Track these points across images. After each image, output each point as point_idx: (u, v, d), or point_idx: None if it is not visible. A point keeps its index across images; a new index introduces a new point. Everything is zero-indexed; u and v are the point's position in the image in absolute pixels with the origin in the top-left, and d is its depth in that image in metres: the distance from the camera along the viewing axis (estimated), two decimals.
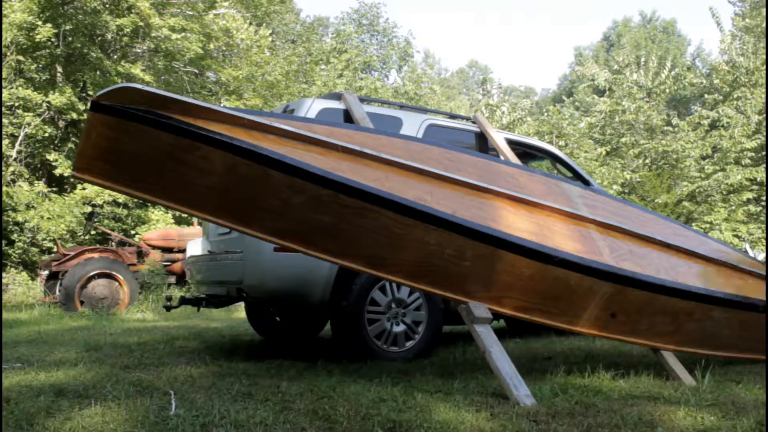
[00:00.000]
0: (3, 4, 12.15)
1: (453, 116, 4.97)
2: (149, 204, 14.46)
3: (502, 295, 3.11)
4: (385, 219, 2.78)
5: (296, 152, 2.70)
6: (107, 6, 13.50)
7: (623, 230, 3.45)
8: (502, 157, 4.40)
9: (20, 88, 12.64)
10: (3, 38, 12.13)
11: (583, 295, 3.16)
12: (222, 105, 16.04)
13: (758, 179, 19.61)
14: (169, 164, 2.60)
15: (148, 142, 2.52)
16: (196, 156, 2.56)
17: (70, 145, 14.36)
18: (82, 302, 8.46)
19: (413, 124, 4.39)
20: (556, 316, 3.23)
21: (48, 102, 12.99)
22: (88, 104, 2.48)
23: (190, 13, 15.17)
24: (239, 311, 8.35)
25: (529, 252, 2.97)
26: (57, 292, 8.78)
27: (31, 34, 12.53)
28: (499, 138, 4.58)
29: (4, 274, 11.76)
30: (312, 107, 4.06)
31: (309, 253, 2.96)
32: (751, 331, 3.62)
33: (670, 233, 3.73)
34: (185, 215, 15.14)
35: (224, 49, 15.91)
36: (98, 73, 13.86)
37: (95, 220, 14.08)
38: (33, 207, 12.61)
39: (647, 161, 20.30)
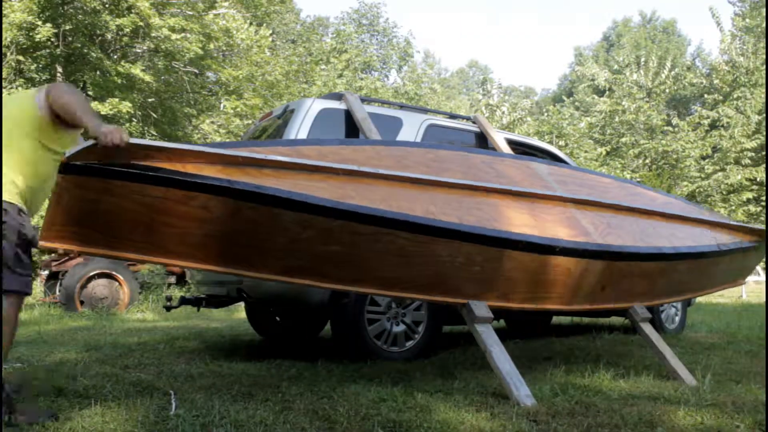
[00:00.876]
0: (3, 3, 12.15)
1: (453, 116, 4.97)
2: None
3: (511, 291, 3.18)
4: (401, 240, 2.73)
5: (299, 185, 2.57)
6: (107, 6, 13.50)
7: (595, 203, 3.62)
8: None
9: (20, 88, 12.64)
10: (3, 38, 12.13)
11: (580, 276, 3.30)
12: (222, 106, 15.98)
13: (758, 179, 19.60)
14: (160, 219, 2.37)
15: (133, 199, 2.29)
16: (192, 206, 2.36)
17: None
18: (82, 302, 8.46)
19: (413, 125, 4.39)
20: (557, 299, 3.35)
21: None
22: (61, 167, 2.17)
23: (190, 13, 15.16)
24: (239, 311, 8.35)
25: (534, 247, 3.05)
26: (57, 292, 8.78)
27: (31, 34, 12.52)
28: (499, 138, 4.58)
29: None
30: (312, 107, 4.05)
31: (322, 286, 2.90)
32: (707, 271, 4.08)
33: (628, 195, 3.94)
34: None
35: (224, 49, 15.90)
36: (98, 73, 13.86)
37: None
38: None
39: (647, 161, 20.29)
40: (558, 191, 3.51)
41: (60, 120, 2.42)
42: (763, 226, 4.61)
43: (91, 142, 2.19)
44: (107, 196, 2.27)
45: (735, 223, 4.51)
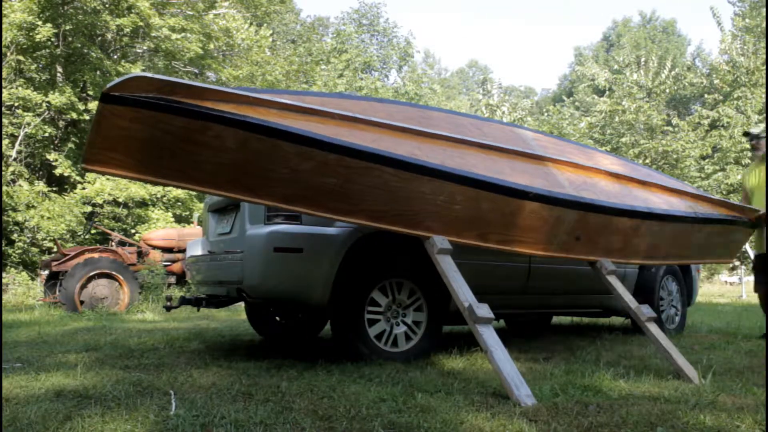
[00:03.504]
0: (3, 4, 12.15)
1: None
2: (149, 204, 14.44)
3: (488, 231, 3.48)
4: (386, 175, 3.05)
5: (300, 123, 2.93)
6: (107, 6, 13.49)
7: (574, 164, 4.02)
8: None
9: (20, 88, 12.64)
10: (3, 38, 12.13)
11: (554, 224, 3.62)
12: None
13: None
14: (181, 146, 2.72)
15: (160, 128, 2.63)
16: (208, 136, 2.71)
17: (70, 145, 14.35)
18: (82, 302, 8.46)
19: None
20: (532, 244, 3.66)
21: (48, 102, 12.98)
22: (99, 96, 2.66)
23: (190, 13, 15.15)
24: (239, 311, 8.35)
25: (509, 191, 3.37)
26: (57, 292, 8.78)
27: (31, 34, 12.52)
28: None
29: (4, 275, 11.76)
30: None
31: (317, 215, 3.20)
32: (686, 238, 4.36)
33: (609, 163, 4.41)
34: (185, 214, 15.14)
35: (224, 49, 15.91)
36: (98, 72, 13.85)
37: (95, 219, 14.07)
38: (33, 207, 12.61)
39: (647, 161, 20.28)
40: (538, 152, 3.89)
41: None
42: (749, 205, 4.96)
43: (130, 74, 2.55)
44: (139, 124, 2.61)
45: (717, 198, 4.82)
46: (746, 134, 5.76)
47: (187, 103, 2.63)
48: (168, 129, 2.65)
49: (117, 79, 2.52)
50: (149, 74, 2.57)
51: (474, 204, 3.32)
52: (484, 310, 3.03)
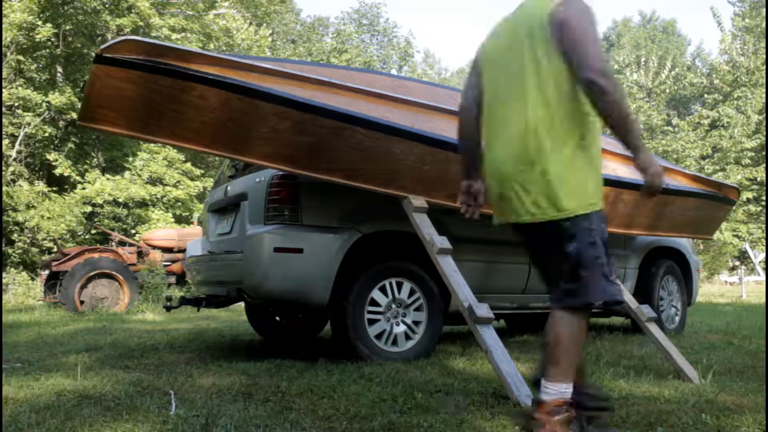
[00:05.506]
0: (3, 3, 12.14)
1: None
2: (149, 204, 14.43)
3: (456, 192, 3.56)
4: (359, 135, 3.23)
5: (279, 86, 3.15)
6: (107, 6, 13.49)
7: None
8: None
9: (20, 88, 12.64)
10: (3, 38, 12.12)
11: None
12: None
13: (758, 179, 19.59)
14: (168, 105, 2.91)
15: (148, 88, 2.83)
16: (193, 95, 2.90)
17: (70, 145, 14.34)
18: (82, 302, 8.46)
19: None
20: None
21: (48, 102, 12.97)
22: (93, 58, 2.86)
23: (190, 13, 15.15)
24: (239, 311, 8.36)
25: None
26: (57, 292, 8.78)
27: (31, 34, 12.52)
28: None
29: (4, 275, 11.76)
30: None
31: (296, 172, 3.40)
32: (658, 209, 4.48)
33: None
34: (185, 215, 15.14)
35: (224, 49, 15.89)
36: None
37: (95, 219, 14.06)
38: (33, 207, 12.61)
39: None
40: None
41: None
42: (726, 182, 5.02)
43: (121, 38, 2.80)
44: (129, 84, 2.80)
45: (692, 173, 4.93)
46: None
47: (173, 65, 2.82)
48: (156, 89, 2.83)
49: (109, 42, 2.75)
50: (139, 38, 2.77)
51: (443, 165, 3.45)
52: (483, 310, 3.03)
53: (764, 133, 19.66)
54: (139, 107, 2.92)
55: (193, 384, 3.06)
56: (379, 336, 3.85)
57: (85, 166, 14.42)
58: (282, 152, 3.22)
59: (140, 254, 9.85)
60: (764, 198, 19.61)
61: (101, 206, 13.73)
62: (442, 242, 3.32)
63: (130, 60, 2.74)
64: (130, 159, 14.49)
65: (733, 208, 5.11)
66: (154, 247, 9.97)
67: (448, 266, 3.27)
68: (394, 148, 3.33)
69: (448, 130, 3.52)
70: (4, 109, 12.78)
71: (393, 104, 3.59)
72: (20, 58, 12.90)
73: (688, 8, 58.17)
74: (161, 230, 10.98)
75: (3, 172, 12.79)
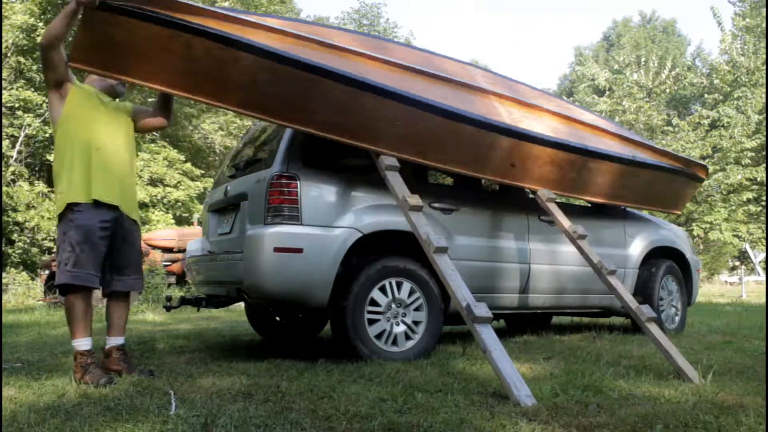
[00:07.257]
0: (3, 5, 12.14)
1: None
2: (150, 205, 14.43)
3: (426, 149, 3.80)
4: (335, 91, 3.38)
5: (260, 39, 3.29)
6: None
7: (517, 100, 4.39)
8: None
9: (21, 89, 12.64)
10: (4, 39, 12.12)
11: (488, 147, 3.95)
12: None
13: (758, 179, 19.59)
14: (154, 51, 3.11)
15: (137, 33, 3.02)
16: (178, 43, 3.08)
17: None
18: None
19: None
20: (470, 165, 3.99)
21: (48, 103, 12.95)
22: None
23: None
24: (239, 311, 8.35)
25: (445, 113, 3.68)
26: (57, 293, 8.77)
27: (31, 35, 12.52)
28: None
29: (4, 275, 11.76)
30: None
31: (273, 121, 3.61)
32: (625, 181, 4.66)
33: (555, 105, 4.78)
34: (185, 215, 15.13)
35: None
36: None
37: None
38: (33, 207, 12.61)
39: None
40: (483, 86, 4.28)
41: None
42: (695, 159, 5.33)
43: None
44: (118, 28, 3.00)
45: (661, 148, 5.13)
46: None
47: (160, 13, 3.00)
48: (144, 35, 3.02)
49: None
50: None
51: (413, 123, 3.64)
52: (482, 310, 3.02)
53: (764, 133, 19.65)
54: (127, 52, 3.10)
55: (193, 384, 3.06)
56: (379, 336, 3.85)
57: None
58: (259, 103, 3.39)
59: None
60: (764, 198, 19.60)
61: None
62: (439, 241, 3.32)
63: (120, 6, 2.93)
64: None
65: (701, 185, 5.39)
66: (155, 248, 9.97)
67: (445, 265, 3.27)
68: (368, 104, 3.48)
69: (421, 91, 3.73)
70: (4, 110, 12.78)
71: (371, 63, 3.78)
72: (21, 59, 12.90)
73: (688, 8, 58.20)
74: (161, 230, 10.97)
75: (3, 173, 12.79)
